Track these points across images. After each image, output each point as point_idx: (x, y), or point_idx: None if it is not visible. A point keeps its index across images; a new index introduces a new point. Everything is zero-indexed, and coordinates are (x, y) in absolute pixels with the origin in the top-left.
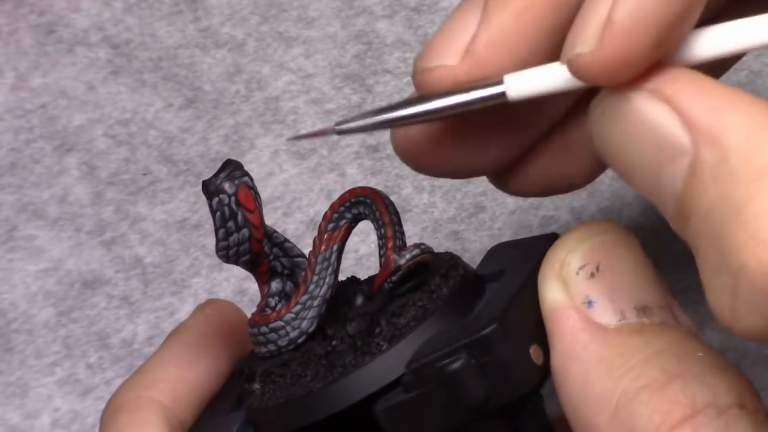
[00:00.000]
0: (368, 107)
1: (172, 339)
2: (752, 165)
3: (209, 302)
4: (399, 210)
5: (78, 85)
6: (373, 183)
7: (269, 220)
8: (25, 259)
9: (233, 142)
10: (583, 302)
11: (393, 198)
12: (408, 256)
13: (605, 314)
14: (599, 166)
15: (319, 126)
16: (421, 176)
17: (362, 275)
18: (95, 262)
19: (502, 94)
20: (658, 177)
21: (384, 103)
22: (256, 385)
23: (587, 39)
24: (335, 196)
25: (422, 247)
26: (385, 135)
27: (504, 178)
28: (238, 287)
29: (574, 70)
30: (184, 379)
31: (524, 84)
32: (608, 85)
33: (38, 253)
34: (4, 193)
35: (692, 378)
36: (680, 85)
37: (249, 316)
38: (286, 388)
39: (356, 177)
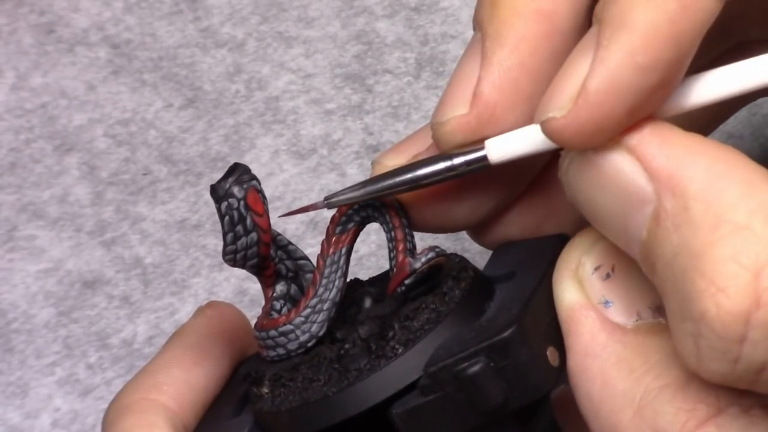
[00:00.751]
0: (368, 107)
1: (174, 341)
2: (712, 212)
3: (210, 304)
4: None
5: (78, 85)
6: None
7: None
8: (25, 259)
9: (233, 142)
10: (600, 303)
11: None
12: (424, 259)
13: (622, 315)
14: (581, 225)
15: (312, 200)
16: None
17: (363, 275)
18: (95, 262)
19: (484, 158)
20: (625, 225)
21: (384, 103)
22: (265, 389)
23: (561, 104)
24: None
25: (437, 250)
26: (386, 135)
27: (483, 233)
28: (239, 287)
29: (547, 132)
30: (188, 381)
31: (504, 147)
32: (581, 148)
33: (38, 253)
34: (4, 193)
35: None
36: (644, 135)
37: (249, 317)
38: (297, 392)
39: (356, 177)
